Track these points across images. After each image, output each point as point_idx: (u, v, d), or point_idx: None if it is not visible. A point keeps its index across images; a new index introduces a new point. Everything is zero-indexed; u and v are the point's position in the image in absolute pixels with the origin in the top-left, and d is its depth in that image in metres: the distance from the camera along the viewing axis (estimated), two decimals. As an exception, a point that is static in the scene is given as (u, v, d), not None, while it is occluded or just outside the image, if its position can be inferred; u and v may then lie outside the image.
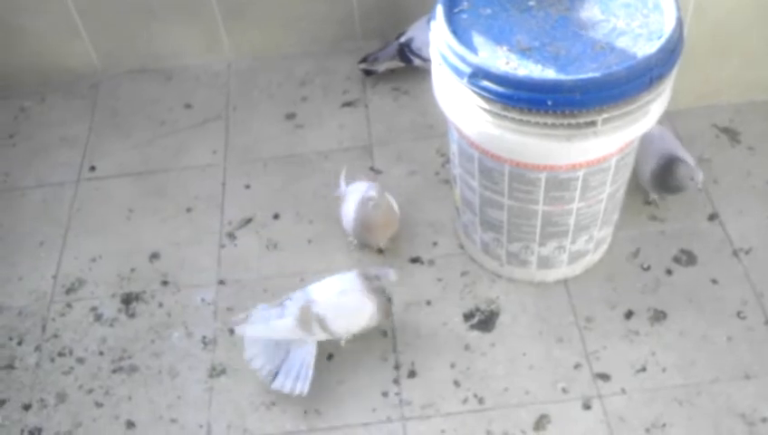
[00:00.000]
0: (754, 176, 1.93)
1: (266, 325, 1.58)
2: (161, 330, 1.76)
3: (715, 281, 1.74)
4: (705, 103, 2.06)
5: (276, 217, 1.95)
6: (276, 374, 1.57)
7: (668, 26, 1.38)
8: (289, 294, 1.61)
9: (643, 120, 1.40)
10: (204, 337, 1.73)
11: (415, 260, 1.82)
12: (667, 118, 1.83)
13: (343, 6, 2.26)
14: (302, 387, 1.55)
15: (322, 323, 1.56)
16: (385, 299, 1.61)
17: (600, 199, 1.58)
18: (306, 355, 1.57)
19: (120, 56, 2.32)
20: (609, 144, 1.41)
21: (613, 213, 1.69)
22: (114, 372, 1.69)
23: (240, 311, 1.72)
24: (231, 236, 1.92)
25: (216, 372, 1.67)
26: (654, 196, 1.85)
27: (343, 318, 1.59)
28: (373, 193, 1.70)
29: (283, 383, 1.56)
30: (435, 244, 1.85)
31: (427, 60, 2.13)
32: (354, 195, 1.77)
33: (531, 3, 1.48)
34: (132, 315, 1.79)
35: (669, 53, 1.36)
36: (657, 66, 1.34)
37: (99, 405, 1.65)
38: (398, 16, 2.22)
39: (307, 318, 1.55)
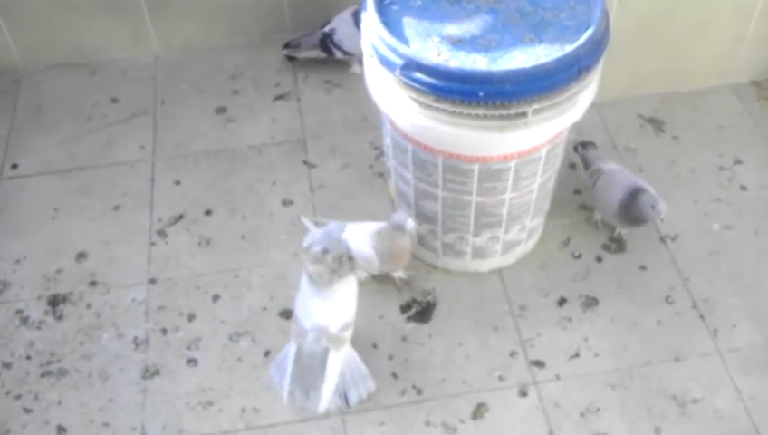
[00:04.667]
0: (679, 164, 1.98)
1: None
2: (91, 332, 1.71)
3: (643, 267, 1.78)
4: (631, 94, 2.11)
5: (208, 213, 1.92)
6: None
7: (595, 18, 1.40)
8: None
9: (572, 110, 1.42)
10: (135, 338, 1.69)
11: (350, 254, 1.82)
12: (595, 108, 1.86)
13: (272, -3, 2.23)
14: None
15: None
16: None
17: (531, 189, 1.60)
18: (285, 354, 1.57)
19: (42, 51, 2.25)
20: (540, 135, 1.43)
21: (544, 203, 1.71)
22: (43, 376, 1.64)
23: (174, 312, 1.69)
24: (161, 233, 1.88)
25: (150, 373, 1.64)
26: (620, 230, 1.81)
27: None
28: (411, 221, 1.63)
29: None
30: (370, 237, 1.84)
31: (347, 53, 2.13)
32: (358, 232, 1.63)
33: (461, -6, 1.49)
34: (60, 317, 1.73)
35: (596, 45, 1.39)
36: (584, 57, 1.36)
37: (28, 411, 1.59)
38: (328, 8, 2.20)
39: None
